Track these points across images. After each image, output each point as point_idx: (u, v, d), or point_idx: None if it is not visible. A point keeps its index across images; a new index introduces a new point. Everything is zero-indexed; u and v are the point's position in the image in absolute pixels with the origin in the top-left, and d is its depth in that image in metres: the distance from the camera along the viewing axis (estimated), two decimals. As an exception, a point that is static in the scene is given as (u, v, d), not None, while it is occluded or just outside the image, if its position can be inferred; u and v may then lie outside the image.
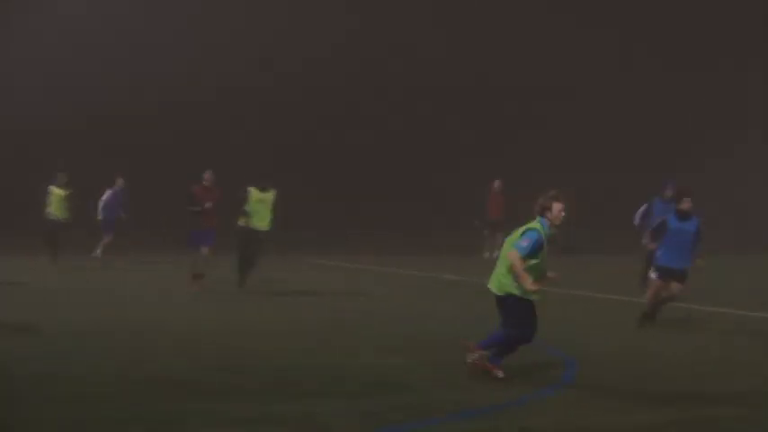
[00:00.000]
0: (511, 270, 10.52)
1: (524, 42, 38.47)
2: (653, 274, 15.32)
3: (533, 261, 10.55)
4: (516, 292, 10.57)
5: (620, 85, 39.62)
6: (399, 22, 37.70)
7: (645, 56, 40.17)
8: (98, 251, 25.53)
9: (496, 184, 29.62)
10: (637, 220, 20.00)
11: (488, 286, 10.87)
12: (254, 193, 18.94)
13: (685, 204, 14.88)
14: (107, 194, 26.17)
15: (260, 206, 18.90)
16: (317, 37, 36.52)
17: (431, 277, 23.54)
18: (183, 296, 18.15)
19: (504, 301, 10.67)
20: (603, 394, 10.13)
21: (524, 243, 10.51)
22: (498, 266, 10.81)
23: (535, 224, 10.68)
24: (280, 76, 36.47)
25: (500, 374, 10.59)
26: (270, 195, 19.05)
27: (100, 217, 25.96)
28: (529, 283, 10.41)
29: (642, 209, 19.91)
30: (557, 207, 10.65)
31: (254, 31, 35.80)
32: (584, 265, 26.04)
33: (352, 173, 36.99)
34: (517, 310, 10.58)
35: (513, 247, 10.56)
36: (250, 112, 36.38)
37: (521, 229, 10.72)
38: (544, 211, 10.67)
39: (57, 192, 24.44)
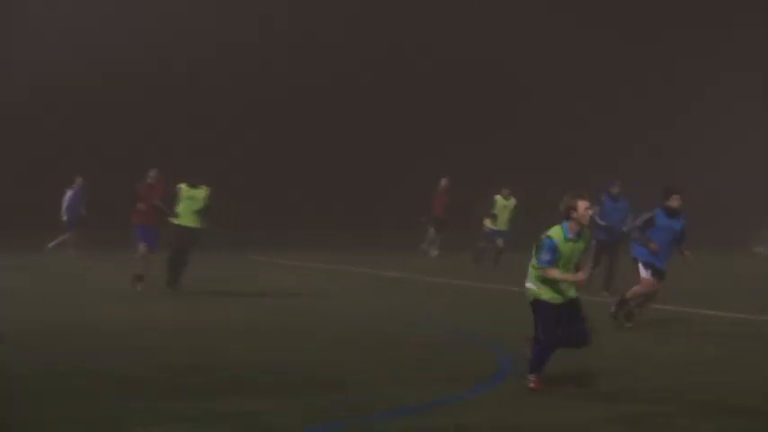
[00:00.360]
0: (542, 279, 10.30)
1: (484, 42, 38.19)
2: (645, 273, 15.07)
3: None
4: (537, 296, 10.39)
5: (575, 84, 39.32)
6: (354, 18, 37.46)
7: (605, 57, 39.72)
8: (53, 243, 26.59)
9: (443, 182, 29.73)
10: (596, 220, 20.17)
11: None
12: (184, 189, 18.62)
13: (675, 201, 14.85)
14: (69, 194, 26.69)
15: (191, 203, 18.54)
16: (266, 35, 36.29)
17: (376, 275, 23.82)
18: (132, 294, 18.17)
19: (532, 306, 10.52)
20: (538, 391, 10.23)
21: (545, 257, 10.24)
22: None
23: (551, 231, 10.35)
24: (238, 76, 36.44)
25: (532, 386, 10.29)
26: (201, 192, 18.66)
27: (65, 218, 26.57)
28: (566, 276, 10.23)
29: (597, 210, 20.08)
30: (582, 205, 10.29)
31: (207, 30, 35.53)
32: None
33: (304, 172, 36.73)
34: (537, 313, 10.42)
35: (538, 263, 10.32)
36: (212, 110, 36.17)
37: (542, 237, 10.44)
38: (569, 211, 10.30)
39: None
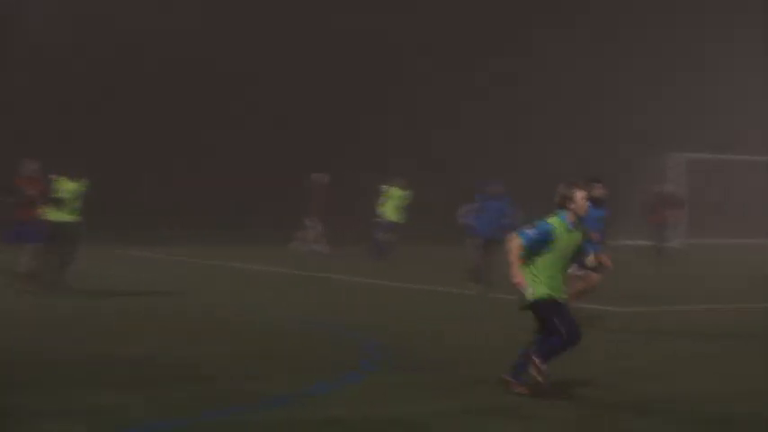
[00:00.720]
0: (534, 276, 9.56)
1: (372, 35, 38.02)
2: (578, 272, 14.38)
3: (546, 255, 9.53)
4: (535, 297, 9.59)
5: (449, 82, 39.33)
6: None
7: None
8: None
9: (323, 178, 29.94)
10: (463, 217, 20.30)
11: None
12: (62, 182, 17.95)
13: (597, 191, 14.81)
14: None
15: (69, 197, 17.85)
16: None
17: (247, 269, 23.87)
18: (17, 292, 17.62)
19: (533, 311, 9.74)
20: (404, 383, 10.38)
21: (529, 230, 9.54)
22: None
23: (552, 217, 9.63)
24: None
25: (523, 390, 9.63)
26: (78, 185, 17.94)
27: None
28: (516, 272, 9.42)
29: (469, 207, 20.28)
30: (579, 195, 9.56)
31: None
32: (411, 256, 26.53)
33: (175, 165, 36.07)
34: (544, 314, 9.63)
35: (518, 232, 9.62)
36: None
37: None
38: (565, 201, 9.55)
39: None
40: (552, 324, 9.57)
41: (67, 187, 17.99)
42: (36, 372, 10.56)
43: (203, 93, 36.20)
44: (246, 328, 14.19)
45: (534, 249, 9.54)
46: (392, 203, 26.46)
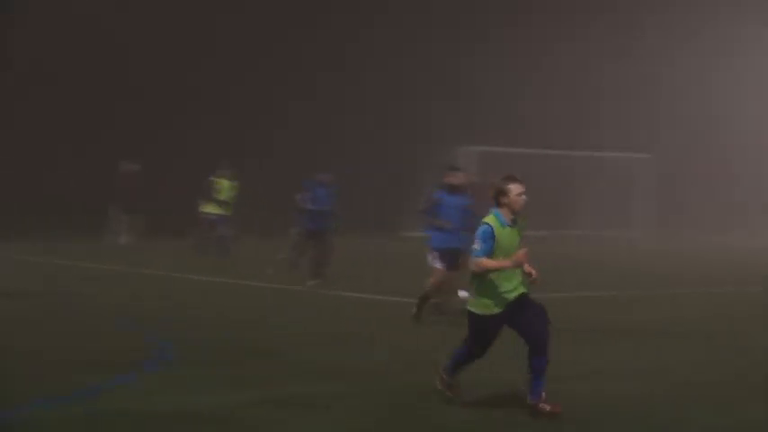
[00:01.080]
0: (479, 287, 9.14)
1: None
2: (436, 264, 14.40)
3: (495, 255, 9.07)
4: (471, 308, 9.26)
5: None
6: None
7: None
8: None
9: (132, 167, 29.27)
10: (302, 202, 20.05)
11: None
12: None
13: (454, 178, 14.70)
14: None
15: None
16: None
17: (69, 265, 22.87)
18: None
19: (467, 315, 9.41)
20: (201, 376, 10.34)
21: (478, 247, 9.08)
22: None
23: (486, 218, 9.19)
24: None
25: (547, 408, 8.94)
26: None
27: None
28: (502, 263, 9.02)
29: (302, 195, 20.02)
30: (514, 189, 9.13)
31: None
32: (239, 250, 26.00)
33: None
34: (469, 324, 9.30)
35: (472, 256, 9.20)
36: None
37: None
38: (500, 196, 9.14)
39: None
40: (468, 335, 9.32)
41: None
42: None
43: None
44: (42, 323, 13.79)
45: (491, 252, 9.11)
46: (221, 196, 25.68)
